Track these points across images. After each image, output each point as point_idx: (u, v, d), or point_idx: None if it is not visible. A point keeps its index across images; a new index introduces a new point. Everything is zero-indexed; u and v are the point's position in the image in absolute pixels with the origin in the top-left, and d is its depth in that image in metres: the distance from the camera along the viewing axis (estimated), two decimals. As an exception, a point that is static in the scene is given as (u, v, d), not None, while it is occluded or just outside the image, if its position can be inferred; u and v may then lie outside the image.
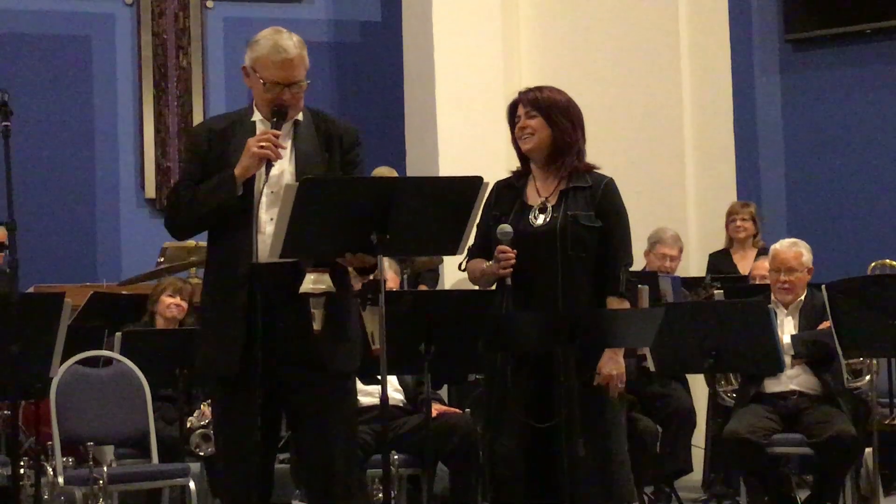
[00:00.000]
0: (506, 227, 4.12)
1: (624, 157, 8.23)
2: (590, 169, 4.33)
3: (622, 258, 4.24)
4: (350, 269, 3.91)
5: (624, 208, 4.34)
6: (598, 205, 4.22)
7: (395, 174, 7.54)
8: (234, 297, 3.80)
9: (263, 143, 3.75)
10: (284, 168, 3.87)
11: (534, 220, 4.21)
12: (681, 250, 7.27)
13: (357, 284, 4.39)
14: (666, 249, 7.16)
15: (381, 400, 3.71)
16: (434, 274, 7.45)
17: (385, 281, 3.76)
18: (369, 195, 3.71)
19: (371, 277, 3.99)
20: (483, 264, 4.21)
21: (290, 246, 3.65)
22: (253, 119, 3.92)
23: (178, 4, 9.00)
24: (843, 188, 8.37)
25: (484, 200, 3.91)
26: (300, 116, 3.94)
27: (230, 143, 3.88)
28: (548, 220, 4.19)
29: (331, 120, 4.01)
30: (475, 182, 3.77)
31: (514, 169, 4.40)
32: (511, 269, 4.07)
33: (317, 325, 3.71)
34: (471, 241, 4.00)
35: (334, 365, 3.85)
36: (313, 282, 3.69)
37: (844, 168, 8.39)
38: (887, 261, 7.28)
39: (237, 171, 3.78)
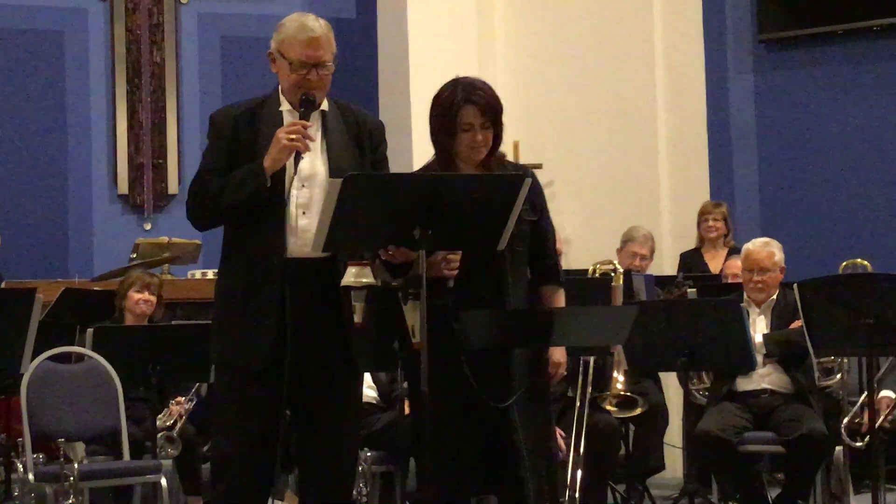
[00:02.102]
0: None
1: (598, 156, 8.27)
2: (503, 159, 4.18)
3: (555, 249, 4.21)
4: (377, 264, 3.89)
5: (544, 197, 4.24)
6: (531, 198, 4.03)
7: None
8: (266, 290, 3.78)
9: (293, 135, 3.71)
10: (316, 160, 3.86)
11: None
12: (652, 249, 7.29)
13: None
14: (636, 248, 7.18)
15: (421, 392, 3.64)
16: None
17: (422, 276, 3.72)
18: (413, 192, 3.69)
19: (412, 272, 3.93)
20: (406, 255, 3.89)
21: (332, 241, 3.65)
22: (280, 109, 3.89)
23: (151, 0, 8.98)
24: (815, 188, 8.41)
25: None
26: (325, 106, 3.92)
27: (258, 130, 3.85)
28: None
29: (358, 112, 4.02)
30: (518, 179, 3.79)
31: (433, 158, 4.13)
32: (457, 272, 3.92)
33: (358, 318, 3.72)
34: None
35: (361, 363, 3.91)
36: (355, 275, 3.71)
37: (817, 168, 8.43)
38: (858, 260, 7.32)
39: (266, 162, 3.73)
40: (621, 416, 5.96)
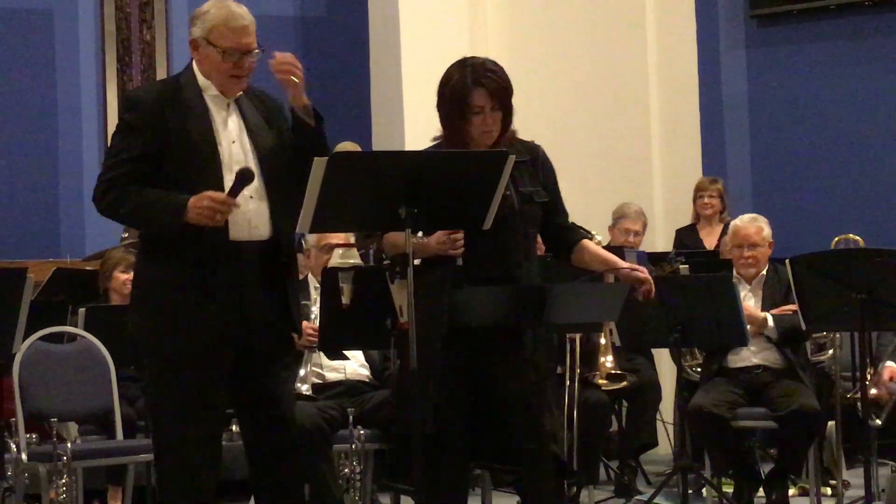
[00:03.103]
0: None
1: (590, 133, 8.25)
2: (515, 139, 4.14)
3: (565, 215, 4.23)
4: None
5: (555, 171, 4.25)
6: (543, 179, 4.13)
7: (359, 149, 7.50)
8: (212, 274, 3.77)
9: (219, 213, 3.69)
10: (236, 140, 3.86)
11: None
12: (644, 225, 7.28)
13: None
14: (629, 224, 7.18)
15: (410, 371, 3.66)
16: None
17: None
18: (398, 170, 3.71)
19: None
20: (411, 238, 3.84)
21: (319, 220, 3.66)
22: (204, 94, 3.87)
23: (141, -22, 8.95)
24: (807, 163, 8.41)
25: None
26: None
27: (186, 115, 3.82)
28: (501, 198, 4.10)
29: (262, 94, 4.03)
30: (501, 156, 3.78)
31: (438, 136, 4.13)
32: (463, 251, 3.93)
33: (345, 300, 3.76)
34: None
35: (298, 343, 3.97)
36: (341, 256, 3.71)
37: (809, 143, 8.43)
38: (851, 235, 7.32)
39: (189, 214, 3.68)
40: (610, 388, 6.01)
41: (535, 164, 4.16)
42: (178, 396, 3.82)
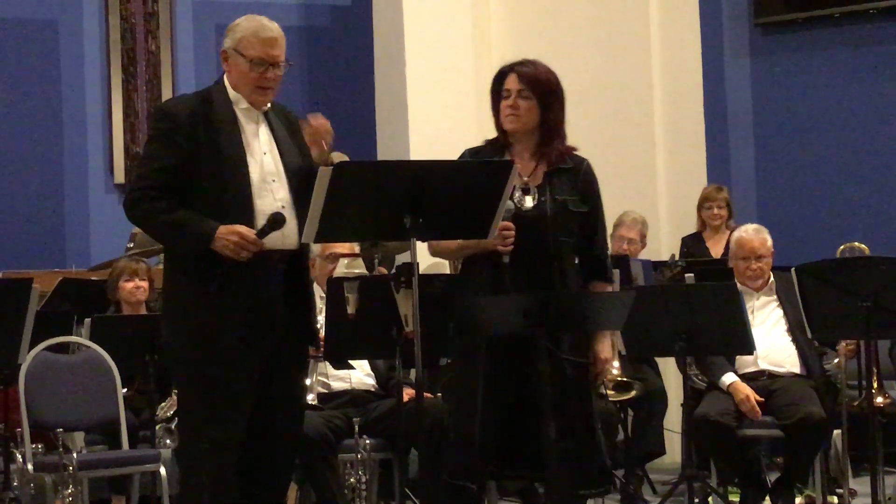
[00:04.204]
0: (507, 203, 3.93)
1: (594, 141, 8.15)
2: (569, 151, 4.25)
3: (605, 243, 4.28)
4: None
5: (600, 192, 4.31)
6: (582, 189, 4.19)
7: (346, 159, 7.50)
8: (245, 280, 3.81)
9: (245, 252, 3.76)
10: (268, 152, 3.92)
11: (520, 203, 4.13)
12: (643, 233, 7.24)
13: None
14: (624, 232, 7.16)
15: (416, 380, 3.72)
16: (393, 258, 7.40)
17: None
18: (402, 179, 3.73)
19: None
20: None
21: (324, 230, 3.68)
22: (234, 108, 3.93)
23: (146, -12, 8.97)
24: (812, 171, 8.41)
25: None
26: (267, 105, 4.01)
27: (217, 128, 3.87)
28: (535, 203, 4.13)
29: (282, 107, 4.11)
30: (506, 166, 3.82)
31: (490, 138, 4.25)
32: (512, 247, 3.98)
33: (350, 309, 3.79)
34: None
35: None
36: (346, 266, 3.74)
37: (814, 151, 8.42)
38: (856, 244, 7.31)
39: (216, 245, 3.75)
40: (617, 399, 5.98)
41: (577, 175, 4.19)
42: (211, 403, 3.84)
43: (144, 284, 6.30)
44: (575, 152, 4.28)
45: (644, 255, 7.17)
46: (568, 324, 4.01)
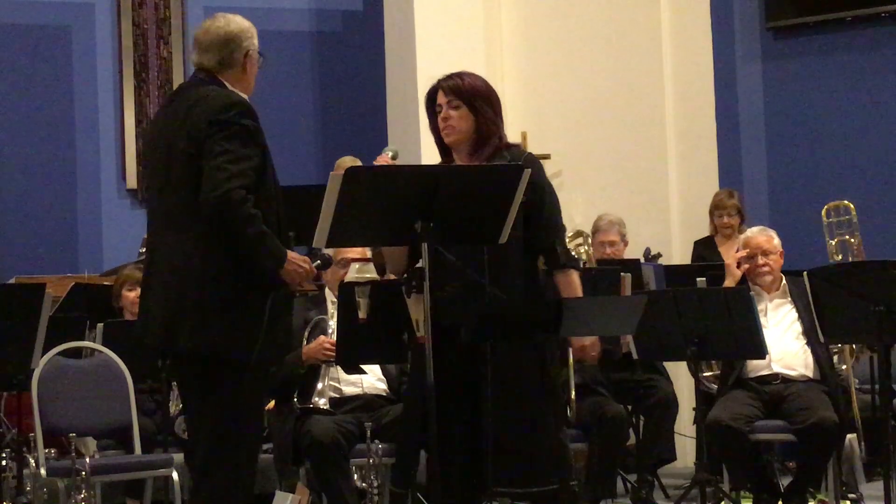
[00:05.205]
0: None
1: (606, 146, 8.25)
2: (509, 146, 4.24)
3: (552, 232, 4.16)
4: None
5: (547, 182, 4.23)
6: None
7: (360, 164, 7.49)
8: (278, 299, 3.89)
9: (305, 279, 3.88)
10: None
11: None
12: (621, 233, 7.16)
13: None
14: (603, 237, 7.11)
15: (426, 386, 3.68)
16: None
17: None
18: (414, 184, 3.74)
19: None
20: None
21: (335, 235, 3.69)
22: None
23: (158, -6, 8.99)
24: (824, 175, 8.39)
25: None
26: None
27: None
28: None
29: None
30: (517, 170, 3.81)
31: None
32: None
33: (362, 314, 3.80)
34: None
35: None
36: (358, 271, 3.74)
37: (826, 155, 8.41)
38: (845, 202, 7.17)
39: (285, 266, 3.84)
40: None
41: None
42: (254, 404, 3.95)
43: None
44: (516, 147, 4.28)
45: (622, 255, 7.13)
46: (573, 329, 3.99)
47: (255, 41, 4.02)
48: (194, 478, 3.93)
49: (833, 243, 6.94)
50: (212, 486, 3.84)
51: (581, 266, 4.29)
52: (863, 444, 6.04)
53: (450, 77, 4.22)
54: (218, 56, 3.99)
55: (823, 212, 7.10)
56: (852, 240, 6.41)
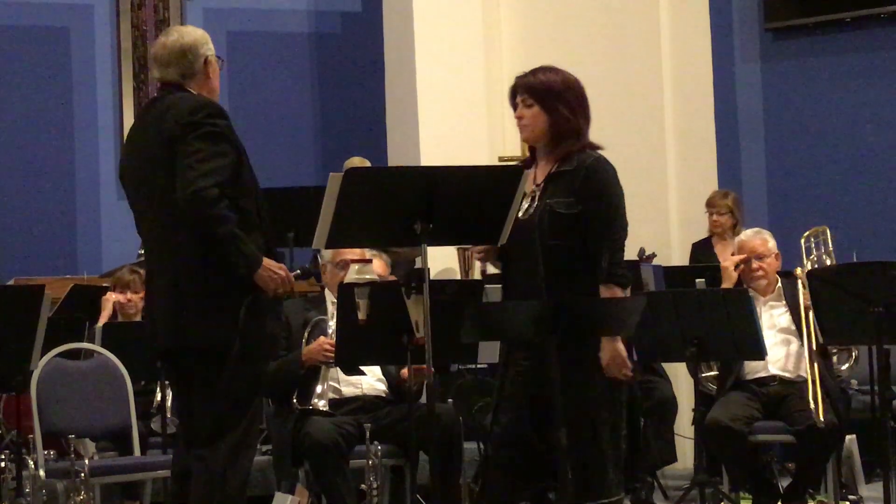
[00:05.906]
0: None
1: (605, 146, 8.23)
2: (584, 148, 4.17)
3: (604, 244, 4.07)
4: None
5: (609, 189, 4.15)
6: (579, 189, 4.07)
7: (368, 164, 7.50)
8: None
9: (281, 286, 3.90)
10: None
11: (522, 209, 4.06)
12: None
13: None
14: None
15: (426, 386, 3.74)
16: (410, 265, 7.41)
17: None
18: (413, 185, 3.74)
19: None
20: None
21: (334, 236, 3.70)
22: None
23: (157, -5, 8.99)
24: (823, 176, 8.39)
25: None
26: None
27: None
28: (531, 209, 4.07)
29: None
30: (516, 172, 3.83)
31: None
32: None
33: (361, 315, 3.81)
34: None
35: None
36: (357, 272, 3.75)
37: (825, 156, 8.41)
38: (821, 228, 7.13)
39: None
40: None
41: (576, 175, 4.09)
42: (258, 405, 4.08)
43: (135, 297, 6.28)
44: (591, 149, 4.21)
45: (655, 260, 7.15)
46: (577, 331, 3.99)
47: (211, 46, 4.05)
48: (193, 466, 3.97)
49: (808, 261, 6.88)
50: (210, 473, 3.91)
51: (628, 282, 4.20)
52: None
53: (525, 74, 4.21)
54: (179, 69, 4.04)
55: (802, 240, 7.09)
56: (828, 261, 6.34)
